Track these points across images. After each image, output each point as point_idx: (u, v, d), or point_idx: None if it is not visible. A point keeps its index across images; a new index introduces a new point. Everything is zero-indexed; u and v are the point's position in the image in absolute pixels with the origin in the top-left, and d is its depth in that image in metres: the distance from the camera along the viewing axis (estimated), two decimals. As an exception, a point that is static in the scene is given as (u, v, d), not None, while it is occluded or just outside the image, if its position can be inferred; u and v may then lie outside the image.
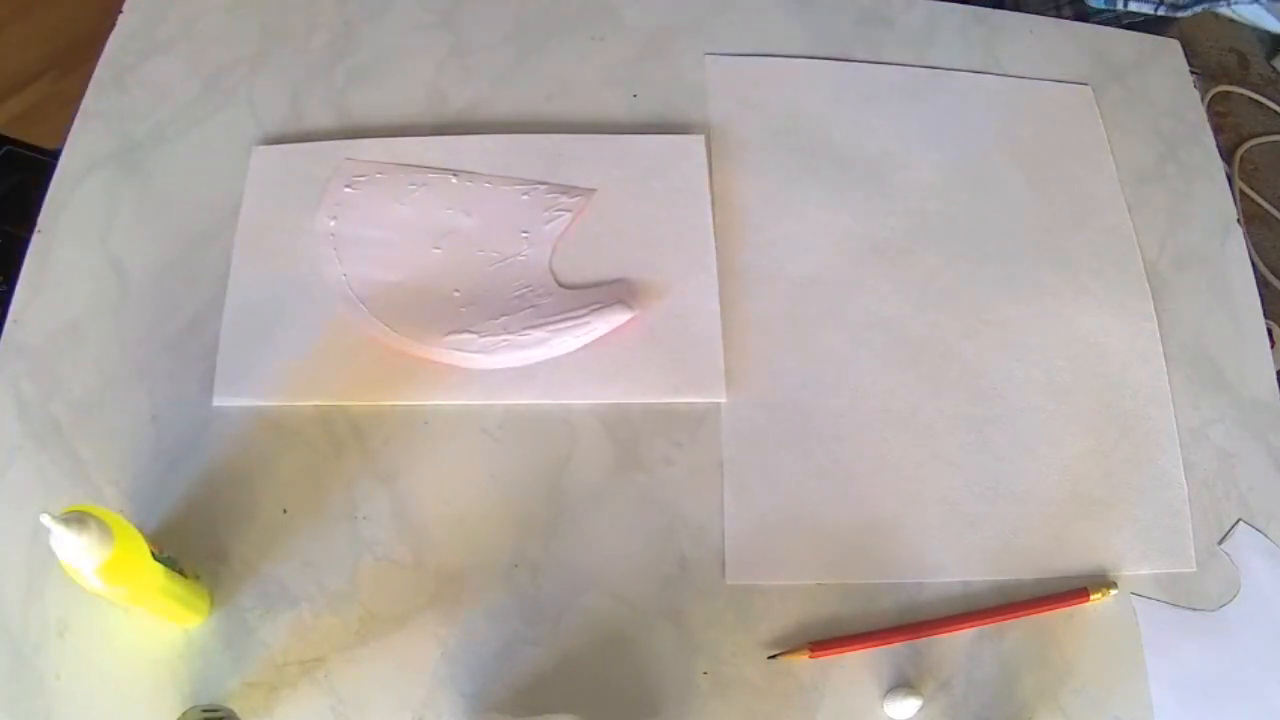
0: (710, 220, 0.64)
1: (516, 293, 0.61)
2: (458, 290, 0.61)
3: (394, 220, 0.63)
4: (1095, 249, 0.66)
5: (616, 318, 0.60)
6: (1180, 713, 0.54)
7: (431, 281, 0.61)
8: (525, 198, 0.64)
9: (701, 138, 0.67)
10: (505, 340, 0.59)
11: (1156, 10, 0.70)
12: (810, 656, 0.53)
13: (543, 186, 0.64)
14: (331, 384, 0.58)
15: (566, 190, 0.64)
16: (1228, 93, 1.64)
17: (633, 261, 0.62)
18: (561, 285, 0.61)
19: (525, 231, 0.59)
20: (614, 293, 0.61)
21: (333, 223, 0.62)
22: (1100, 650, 0.55)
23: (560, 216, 0.63)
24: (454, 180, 0.64)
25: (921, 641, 0.54)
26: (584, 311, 0.59)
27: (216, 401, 0.57)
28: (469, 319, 0.60)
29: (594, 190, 0.64)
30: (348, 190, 0.63)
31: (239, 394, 0.57)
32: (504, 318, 0.60)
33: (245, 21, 0.69)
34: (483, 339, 0.59)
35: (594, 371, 0.59)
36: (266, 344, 0.59)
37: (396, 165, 0.64)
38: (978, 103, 0.71)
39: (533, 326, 0.59)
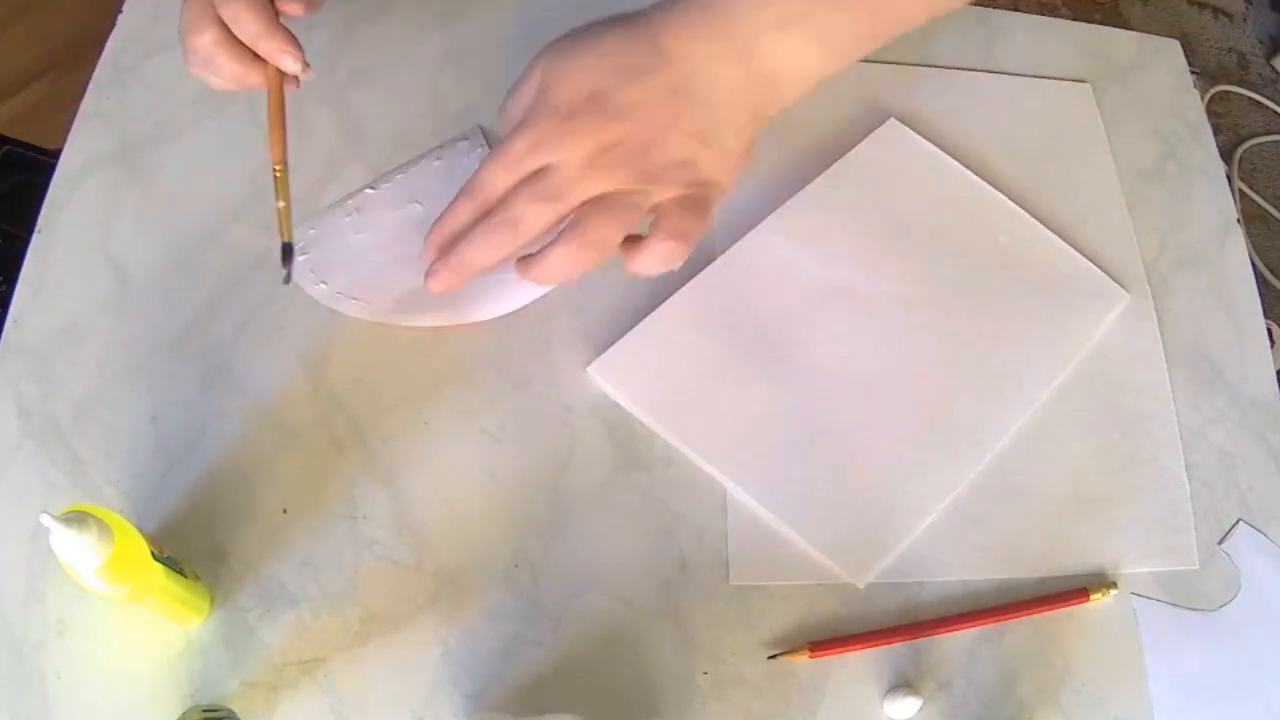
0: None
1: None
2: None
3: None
4: (1095, 248, 0.66)
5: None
6: (1180, 712, 0.54)
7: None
8: None
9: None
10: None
11: None
12: (810, 656, 0.53)
13: None
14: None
15: None
16: (1228, 93, 1.65)
17: None
18: None
19: None
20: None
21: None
22: (1100, 650, 0.55)
23: None
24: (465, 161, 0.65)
25: (921, 641, 0.55)
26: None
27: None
28: None
29: None
30: (369, 191, 0.64)
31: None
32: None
33: (245, 21, 0.69)
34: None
35: (594, 371, 0.60)
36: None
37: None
38: (977, 102, 0.71)
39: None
